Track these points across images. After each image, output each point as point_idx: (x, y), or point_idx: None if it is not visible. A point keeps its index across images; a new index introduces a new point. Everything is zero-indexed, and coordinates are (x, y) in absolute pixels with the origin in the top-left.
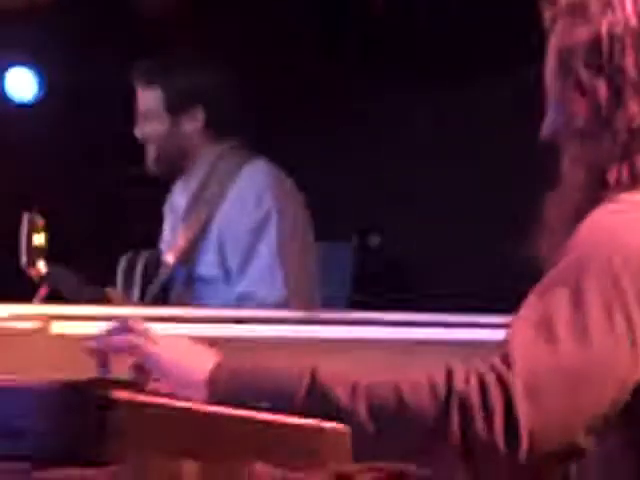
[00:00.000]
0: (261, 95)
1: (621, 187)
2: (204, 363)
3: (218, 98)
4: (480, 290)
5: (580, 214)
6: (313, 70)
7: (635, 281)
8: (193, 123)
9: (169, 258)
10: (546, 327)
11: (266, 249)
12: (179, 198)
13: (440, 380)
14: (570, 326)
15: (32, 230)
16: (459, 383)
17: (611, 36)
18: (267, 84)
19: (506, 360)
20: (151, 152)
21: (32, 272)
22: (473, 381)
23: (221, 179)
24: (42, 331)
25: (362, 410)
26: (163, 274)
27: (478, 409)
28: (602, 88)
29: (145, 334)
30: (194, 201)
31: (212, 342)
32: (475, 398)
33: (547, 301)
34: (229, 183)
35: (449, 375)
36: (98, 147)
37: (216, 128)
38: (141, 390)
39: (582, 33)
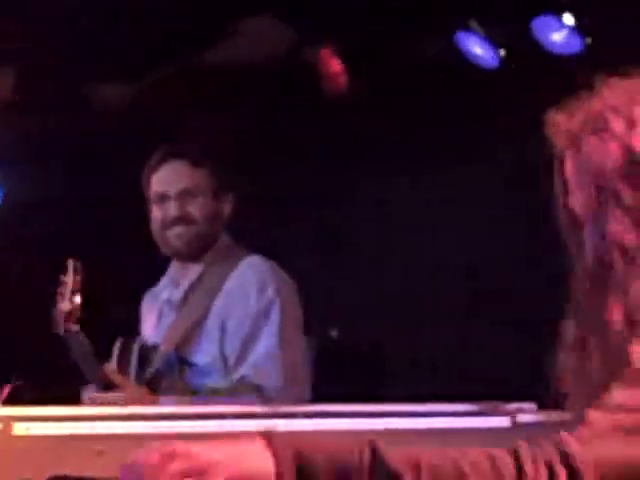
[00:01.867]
0: None
1: None
2: (264, 462)
3: (241, 187)
4: (440, 378)
5: None
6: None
7: None
8: (228, 208)
9: (165, 346)
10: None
11: (267, 337)
12: (169, 288)
13: (507, 465)
14: None
15: (76, 276)
16: (530, 471)
17: None
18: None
19: (579, 450)
20: (190, 230)
21: (64, 322)
22: (542, 471)
23: (219, 270)
24: (4, 432)
25: None
26: (157, 361)
27: None
28: None
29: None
30: (191, 291)
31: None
32: None
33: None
34: (227, 274)
35: (517, 460)
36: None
37: (232, 216)
38: None
39: (615, 151)
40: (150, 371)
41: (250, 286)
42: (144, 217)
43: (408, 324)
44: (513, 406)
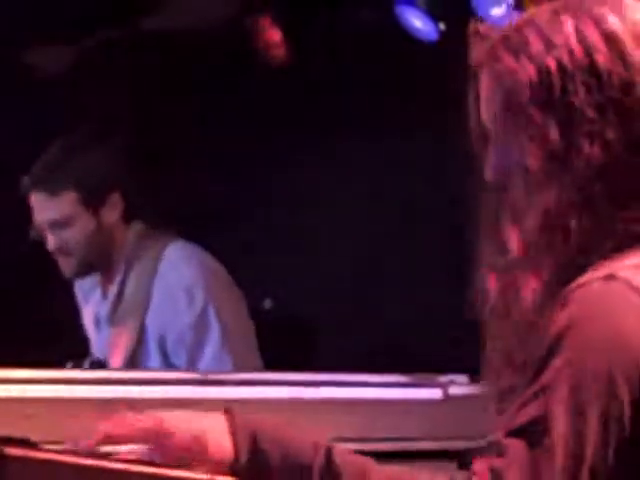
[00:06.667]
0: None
1: (586, 237)
2: (220, 438)
3: (128, 177)
4: (373, 349)
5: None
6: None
7: (632, 389)
8: (115, 211)
9: (112, 364)
10: (545, 442)
11: (211, 343)
12: (97, 296)
13: None
14: (568, 444)
15: None
16: None
17: (562, 72)
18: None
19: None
20: (71, 261)
21: None
22: None
23: (140, 273)
24: None
25: None
26: None
27: None
28: (553, 128)
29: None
30: (117, 303)
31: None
32: None
33: (545, 411)
34: (150, 277)
35: None
36: None
37: (130, 210)
38: (34, 447)
39: (529, 71)
40: None
41: (178, 296)
42: None
43: (341, 294)
44: (445, 378)
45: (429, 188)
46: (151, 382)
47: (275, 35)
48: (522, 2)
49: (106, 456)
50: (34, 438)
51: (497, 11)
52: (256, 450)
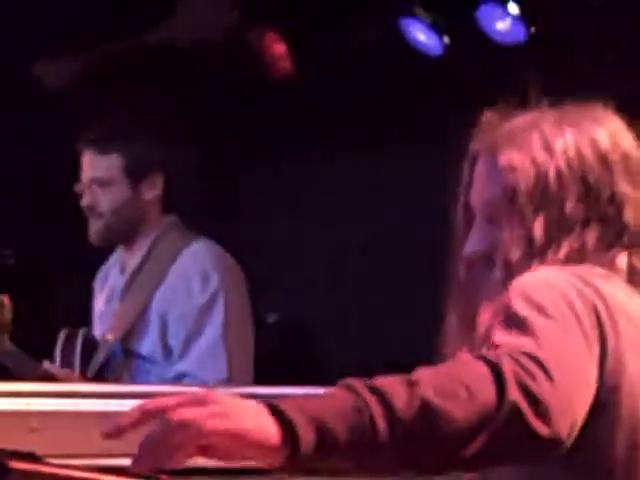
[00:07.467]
0: None
1: None
2: (266, 423)
3: (175, 165)
4: (373, 365)
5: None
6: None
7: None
8: (153, 191)
9: (109, 336)
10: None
11: (212, 330)
12: (116, 272)
13: (481, 368)
14: (545, 325)
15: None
16: (498, 363)
17: (558, 180)
18: None
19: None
20: (99, 223)
21: None
22: (505, 359)
23: (162, 257)
24: None
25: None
26: (102, 352)
27: (524, 374)
28: (539, 226)
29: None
30: (133, 278)
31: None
32: (518, 369)
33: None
34: (170, 262)
35: (486, 360)
36: None
37: (168, 198)
38: (39, 461)
39: (529, 173)
40: (95, 363)
41: (193, 278)
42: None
43: (343, 309)
44: None
45: (434, 201)
46: (154, 396)
47: (280, 48)
48: (527, 16)
49: (111, 470)
50: (39, 452)
51: (501, 25)
52: (321, 428)
